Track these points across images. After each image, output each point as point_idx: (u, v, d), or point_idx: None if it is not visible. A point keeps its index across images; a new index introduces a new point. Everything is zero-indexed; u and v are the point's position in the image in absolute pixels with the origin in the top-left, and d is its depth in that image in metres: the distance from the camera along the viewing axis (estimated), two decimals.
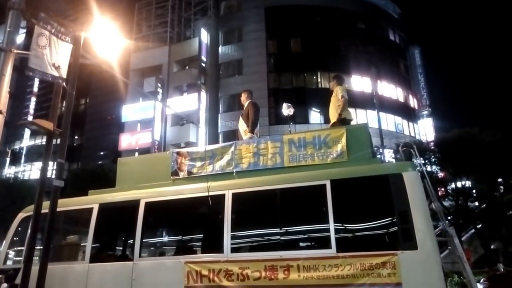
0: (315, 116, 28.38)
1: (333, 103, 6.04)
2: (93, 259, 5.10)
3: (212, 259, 4.56)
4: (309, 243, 4.50)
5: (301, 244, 4.50)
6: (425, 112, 35.44)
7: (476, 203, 19.93)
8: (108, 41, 6.99)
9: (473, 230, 20.49)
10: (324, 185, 4.46)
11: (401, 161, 6.40)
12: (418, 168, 4.74)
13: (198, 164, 5.49)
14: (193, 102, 27.13)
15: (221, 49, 30.83)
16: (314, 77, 30.07)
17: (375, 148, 21.93)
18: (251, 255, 4.49)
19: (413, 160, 5.69)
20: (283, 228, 4.63)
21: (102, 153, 33.85)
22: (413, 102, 35.09)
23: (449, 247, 4.88)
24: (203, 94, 28.14)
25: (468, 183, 21.41)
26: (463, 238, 20.97)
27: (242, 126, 6.48)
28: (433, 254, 3.91)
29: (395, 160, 22.16)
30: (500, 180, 20.82)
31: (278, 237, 4.63)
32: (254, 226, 4.82)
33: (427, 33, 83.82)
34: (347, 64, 29.13)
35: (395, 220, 4.19)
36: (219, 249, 4.57)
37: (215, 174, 5.30)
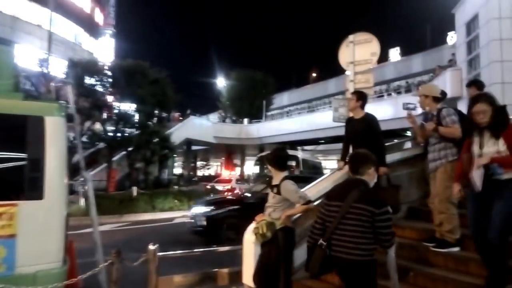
0: None
1: None
2: None
3: None
4: None
5: None
6: (109, 32, 34.82)
7: (132, 130, 22.15)
8: None
9: (124, 152, 22.80)
10: None
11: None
12: (67, 111, 4.44)
13: None
14: None
15: None
16: None
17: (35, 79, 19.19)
18: None
19: (65, 101, 5.29)
20: None
21: None
22: (99, 17, 33.39)
23: (81, 189, 5.09)
24: None
25: (130, 111, 23.39)
26: (114, 159, 23.02)
27: None
28: (58, 203, 3.89)
29: (65, 75, 20.69)
30: (156, 112, 24.07)
31: None
32: None
33: None
34: None
35: (24, 167, 3.81)
36: None
37: None
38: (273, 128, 33.25)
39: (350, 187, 2.71)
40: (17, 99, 4.13)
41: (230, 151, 41.51)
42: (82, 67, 20.92)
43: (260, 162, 17.87)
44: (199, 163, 51.51)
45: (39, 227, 3.73)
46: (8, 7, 25.73)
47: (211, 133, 33.80)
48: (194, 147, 36.53)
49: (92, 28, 31.71)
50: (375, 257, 2.60)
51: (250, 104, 38.45)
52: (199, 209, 9.60)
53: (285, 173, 3.68)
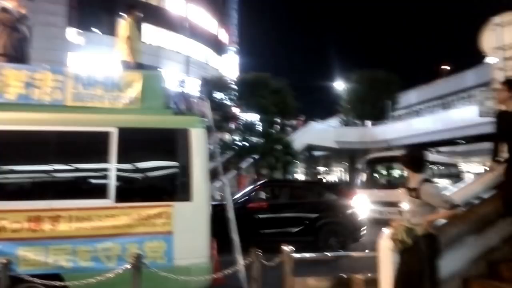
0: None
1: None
2: None
3: None
4: (86, 193, 4.24)
5: (76, 193, 4.20)
6: (233, 49, 37.76)
7: (258, 138, 23.43)
8: None
9: (251, 160, 24.26)
10: (110, 133, 4.20)
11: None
12: (206, 124, 4.97)
13: None
14: None
15: None
16: None
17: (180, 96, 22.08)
18: (10, 205, 3.91)
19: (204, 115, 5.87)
20: (56, 176, 4.20)
21: None
22: (224, 37, 36.54)
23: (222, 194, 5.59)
24: None
25: (255, 120, 24.80)
26: (242, 166, 24.68)
27: None
28: (204, 204, 4.37)
29: (200, 92, 23.20)
30: (278, 120, 24.98)
31: (48, 185, 4.18)
32: (17, 172, 4.18)
33: None
34: None
35: (175, 172, 4.43)
36: None
37: None
38: (401, 129, 30.88)
39: None
40: (168, 115, 4.85)
41: (353, 156, 40.15)
42: (212, 84, 23.19)
43: (369, 166, 15.91)
44: (320, 169, 51.22)
45: (189, 225, 4.25)
46: (153, 39, 30.33)
47: (332, 137, 33.30)
48: (315, 153, 36.53)
49: (218, 47, 35.02)
50: None
51: (372, 106, 36.61)
52: None
53: (423, 175, 3.40)
